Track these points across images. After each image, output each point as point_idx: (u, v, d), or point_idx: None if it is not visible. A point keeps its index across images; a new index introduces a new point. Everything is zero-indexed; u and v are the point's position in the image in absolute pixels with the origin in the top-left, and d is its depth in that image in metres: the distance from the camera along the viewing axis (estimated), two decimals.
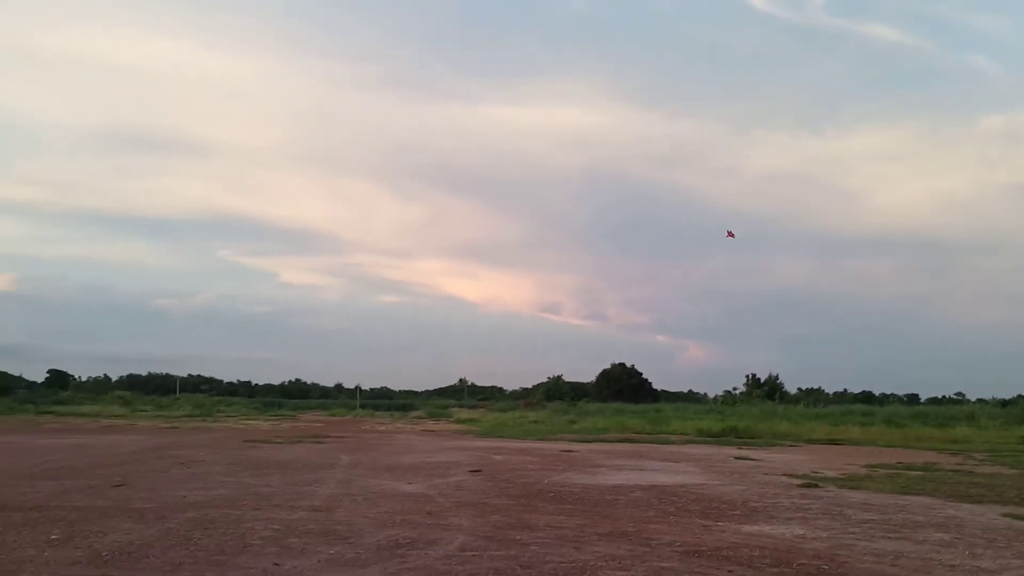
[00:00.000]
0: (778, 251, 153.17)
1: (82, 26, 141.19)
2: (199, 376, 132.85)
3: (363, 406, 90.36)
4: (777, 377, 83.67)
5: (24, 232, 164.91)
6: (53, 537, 9.63)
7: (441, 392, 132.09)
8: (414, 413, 73.66)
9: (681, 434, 38.99)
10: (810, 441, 35.43)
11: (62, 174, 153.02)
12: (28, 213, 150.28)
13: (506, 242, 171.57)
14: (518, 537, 10.16)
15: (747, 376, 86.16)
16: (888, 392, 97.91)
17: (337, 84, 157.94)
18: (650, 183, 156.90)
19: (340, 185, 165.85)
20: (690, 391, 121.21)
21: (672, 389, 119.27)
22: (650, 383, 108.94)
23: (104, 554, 8.71)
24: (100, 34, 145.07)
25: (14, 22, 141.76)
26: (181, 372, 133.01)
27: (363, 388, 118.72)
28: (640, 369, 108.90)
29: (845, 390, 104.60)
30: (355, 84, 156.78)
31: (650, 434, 38.99)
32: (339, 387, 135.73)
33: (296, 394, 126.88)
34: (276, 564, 8.33)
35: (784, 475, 19.11)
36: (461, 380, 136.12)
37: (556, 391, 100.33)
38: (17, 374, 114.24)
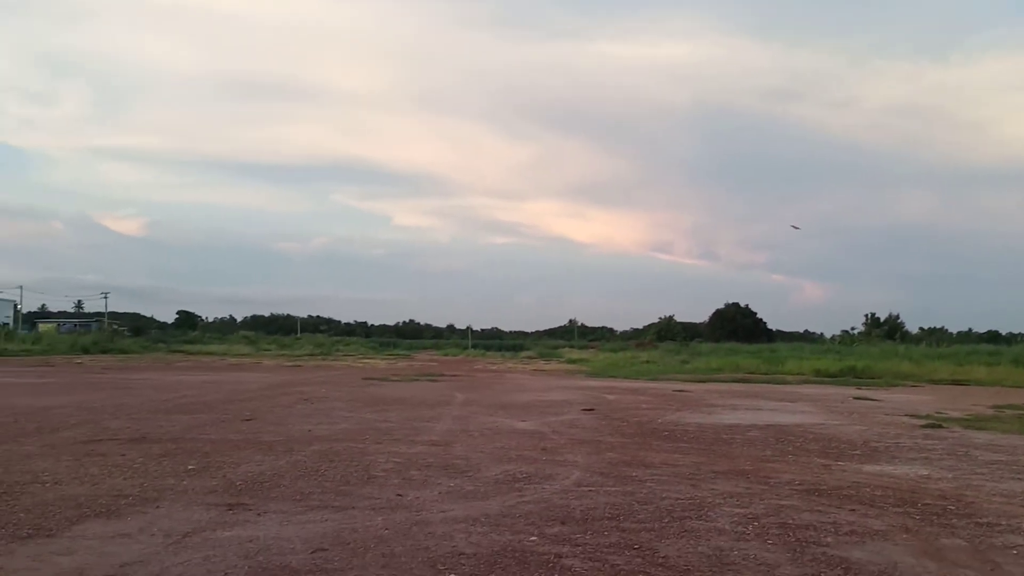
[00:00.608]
0: (899, 185, 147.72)
1: None
2: (318, 317, 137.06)
3: (475, 346, 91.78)
4: (898, 316, 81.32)
5: (151, 179, 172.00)
6: (190, 467, 10.14)
7: (551, 333, 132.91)
8: (525, 353, 74.46)
9: (797, 374, 38.32)
10: (933, 382, 34.36)
11: (185, 122, 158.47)
12: (154, 160, 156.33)
13: (616, 181, 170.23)
14: (634, 474, 10.22)
15: (866, 315, 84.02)
16: (1016, 331, 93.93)
17: (446, 25, 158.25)
18: (764, 117, 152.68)
19: (450, 127, 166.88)
20: (806, 331, 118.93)
21: (787, 329, 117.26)
22: (764, 323, 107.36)
23: (238, 483, 9.15)
24: None
25: None
26: (301, 313, 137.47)
27: (474, 328, 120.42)
28: (754, 309, 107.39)
29: (970, 329, 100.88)
30: (464, 24, 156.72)
31: (765, 374, 38.45)
32: (451, 327, 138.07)
33: (410, 334, 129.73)
34: (399, 495, 8.60)
35: (906, 415, 18.62)
36: (571, 321, 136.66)
37: (668, 332, 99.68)
38: (149, 315, 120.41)
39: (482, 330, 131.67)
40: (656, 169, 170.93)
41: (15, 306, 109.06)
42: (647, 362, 49.40)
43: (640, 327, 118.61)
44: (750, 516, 7.88)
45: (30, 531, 6.77)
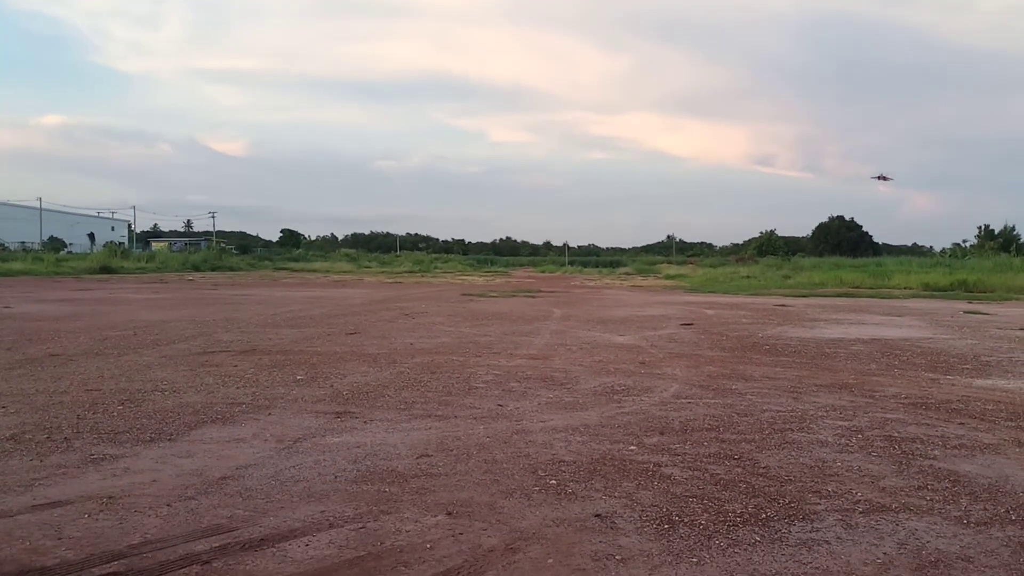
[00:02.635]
0: (1018, 92, 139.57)
1: None
2: (417, 234, 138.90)
3: (571, 263, 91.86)
4: (1014, 228, 77.82)
5: (251, 100, 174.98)
6: (299, 378, 10.51)
7: (649, 248, 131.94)
8: (622, 269, 74.22)
9: (904, 288, 37.30)
10: None
11: (284, 43, 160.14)
12: (255, 82, 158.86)
13: (717, 92, 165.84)
14: (734, 387, 10.18)
15: (979, 227, 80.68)
16: None
17: None
18: (874, 22, 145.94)
19: (546, 40, 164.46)
20: (914, 244, 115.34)
21: (894, 243, 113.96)
22: (870, 236, 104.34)
23: (344, 393, 9.45)
24: None
25: None
26: (400, 231, 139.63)
27: (571, 245, 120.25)
28: (860, 222, 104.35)
29: None
30: None
31: (870, 288, 37.54)
32: (548, 244, 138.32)
33: (507, 251, 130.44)
34: (500, 405, 8.76)
35: (1020, 330, 17.97)
36: (669, 236, 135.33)
37: (769, 246, 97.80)
38: (254, 233, 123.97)
39: (579, 247, 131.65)
40: (760, 79, 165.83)
41: (129, 226, 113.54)
42: (747, 277, 48.71)
43: (740, 242, 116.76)
44: (854, 429, 7.78)
45: (153, 435, 7.15)
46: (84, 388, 9.43)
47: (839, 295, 33.73)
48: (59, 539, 4.60)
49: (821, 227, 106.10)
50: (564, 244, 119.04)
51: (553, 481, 5.87)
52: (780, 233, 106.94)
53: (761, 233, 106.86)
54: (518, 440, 7.09)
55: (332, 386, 9.91)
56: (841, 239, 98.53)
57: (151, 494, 5.45)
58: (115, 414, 8.04)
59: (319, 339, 15.04)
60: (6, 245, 75.74)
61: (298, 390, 9.60)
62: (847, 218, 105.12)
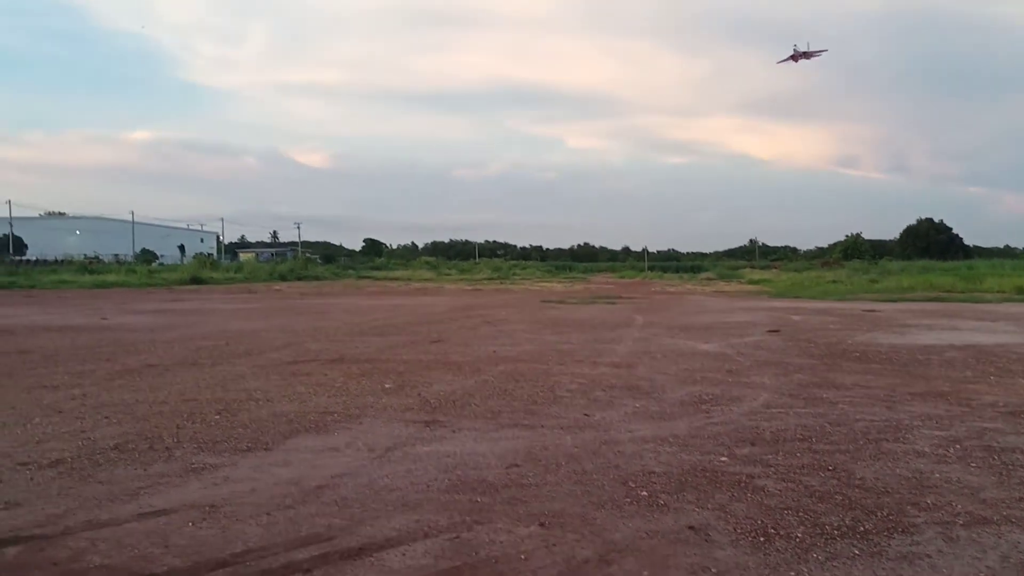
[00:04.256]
0: None
1: None
2: (495, 241, 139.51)
3: (651, 268, 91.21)
4: None
5: (334, 112, 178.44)
6: (387, 386, 10.67)
7: (731, 253, 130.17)
8: (703, 274, 73.41)
9: (998, 292, 36.11)
10: None
11: (365, 55, 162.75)
12: (336, 94, 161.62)
13: (797, 93, 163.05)
14: (825, 396, 9.99)
15: None
16: None
17: None
18: (961, 16, 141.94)
19: (621, 46, 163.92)
20: (1007, 246, 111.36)
21: (986, 245, 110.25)
22: (960, 238, 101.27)
23: (432, 401, 9.56)
24: None
25: None
26: (479, 238, 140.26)
27: (650, 250, 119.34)
28: (949, 224, 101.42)
29: None
30: None
31: (962, 292, 36.43)
32: (627, 250, 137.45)
33: (585, 257, 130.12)
34: (586, 415, 8.76)
35: None
36: (751, 240, 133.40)
37: (855, 249, 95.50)
38: (338, 243, 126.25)
39: (658, 252, 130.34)
40: (841, 79, 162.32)
41: (217, 237, 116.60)
42: (833, 282, 47.71)
43: (825, 245, 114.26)
44: (951, 439, 7.57)
45: (249, 444, 7.34)
46: (182, 398, 9.73)
47: (929, 300, 32.82)
48: (166, 547, 4.75)
49: (909, 230, 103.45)
50: (643, 249, 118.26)
51: (644, 492, 5.85)
52: (866, 236, 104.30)
53: (846, 236, 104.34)
54: (607, 450, 7.08)
55: (420, 394, 10.03)
56: (930, 242, 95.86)
57: (251, 503, 5.60)
58: (212, 423, 8.27)
59: (405, 347, 15.24)
60: (101, 258, 78.46)
61: (387, 399, 9.74)
62: (936, 220, 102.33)
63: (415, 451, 7.09)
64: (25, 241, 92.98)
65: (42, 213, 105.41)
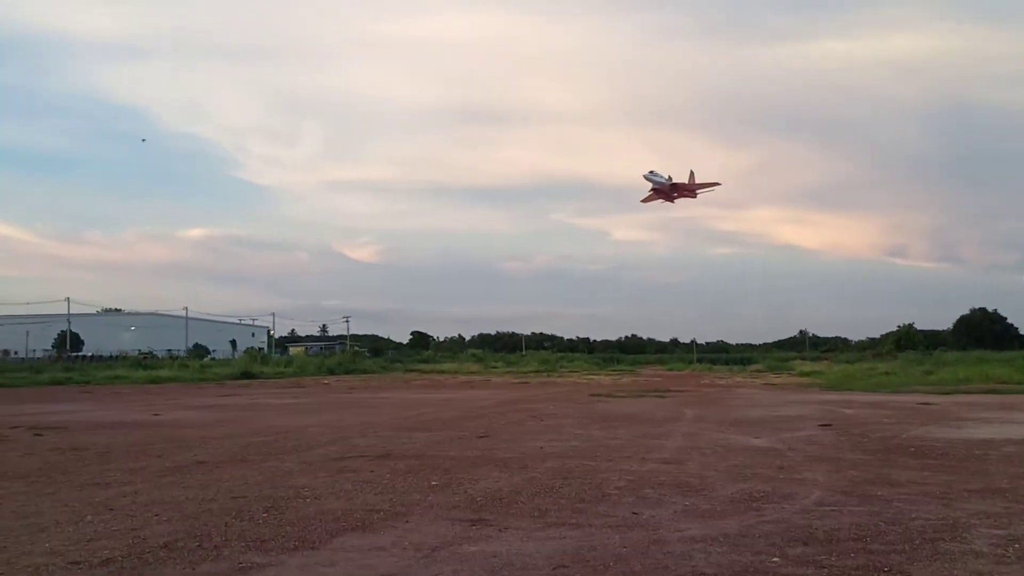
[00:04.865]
0: None
1: (418, 13, 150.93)
2: (542, 333, 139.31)
3: (700, 360, 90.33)
4: None
5: (382, 208, 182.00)
6: (433, 483, 10.64)
7: (780, 344, 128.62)
8: (753, 366, 72.54)
9: None
10: None
11: (413, 152, 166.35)
12: (386, 190, 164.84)
13: (843, 183, 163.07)
14: (879, 493, 9.76)
15: None
16: None
17: (653, 37, 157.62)
18: (1003, 106, 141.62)
19: (665, 138, 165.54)
20: None
21: None
22: (1016, 328, 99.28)
23: (478, 499, 9.51)
24: (432, 18, 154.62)
25: (362, 15, 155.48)
26: (526, 330, 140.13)
27: (699, 342, 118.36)
28: (1004, 313, 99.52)
29: None
30: (672, 35, 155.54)
31: (1019, 384, 35.48)
32: (675, 341, 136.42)
33: (633, 349, 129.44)
34: (634, 513, 8.65)
35: None
36: (801, 331, 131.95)
37: (908, 340, 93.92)
38: (386, 336, 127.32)
39: (707, 343, 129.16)
40: (886, 168, 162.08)
41: (268, 332, 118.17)
42: (886, 373, 46.83)
43: (877, 336, 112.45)
44: (1011, 538, 7.35)
45: (296, 543, 7.35)
46: (230, 495, 9.79)
47: (986, 391, 32.04)
48: None
49: (962, 320, 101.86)
50: (692, 341, 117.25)
51: None
52: (918, 327, 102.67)
53: (898, 327, 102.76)
54: (655, 551, 6.97)
55: (466, 492, 9.99)
56: (984, 332, 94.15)
57: None
58: (260, 521, 8.31)
59: (451, 443, 15.21)
60: (155, 353, 79.84)
61: (433, 496, 9.71)
62: (989, 310, 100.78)
63: (461, 551, 7.04)
64: (82, 337, 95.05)
65: (99, 310, 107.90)
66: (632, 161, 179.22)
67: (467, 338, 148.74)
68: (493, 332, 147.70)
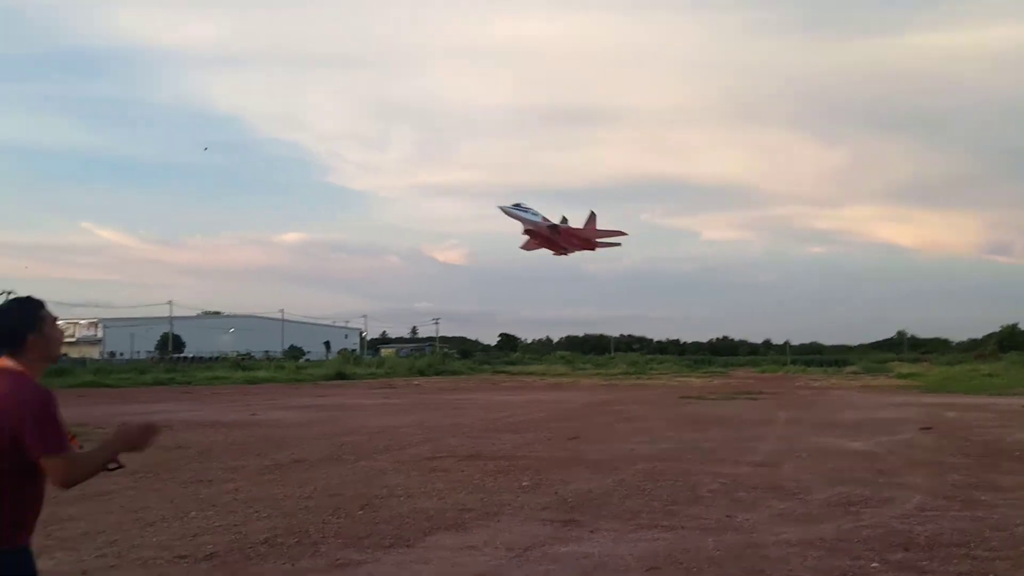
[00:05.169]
0: None
1: (506, 16, 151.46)
2: (630, 335, 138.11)
3: (793, 362, 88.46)
4: None
5: (471, 211, 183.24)
6: (524, 484, 10.70)
7: (877, 345, 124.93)
8: (848, 368, 70.67)
9: None
10: None
11: (500, 155, 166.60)
12: (474, 193, 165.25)
13: (943, 179, 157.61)
14: (983, 498, 9.45)
15: None
16: None
17: (743, 34, 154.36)
18: None
19: (757, 136, 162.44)
20: None
21: None
22: None
23: (569, 500, 9.52)
24: (520, 21, 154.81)
25: (450, 20, 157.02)
26: (614, 332, 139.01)
27: (792, 343, 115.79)
28: None
29: None
30: (764, 31, 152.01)
31: None
32: (767, 343, 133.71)
33: (724, 350, 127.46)
34: (728, 516, 8.55)
35: None
36: (899, 332, 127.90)
37: (1012, 340, 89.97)
38: (474, 338, 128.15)
39: (800, 345, 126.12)
40: (988, 164, 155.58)
41: (360, 334, 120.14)
42: (989, 375, 45.17)
43: (978, 337, 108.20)
44: None
45: (391, 541, 7.49)
46: (327, 493, 10.02)
47: None
48: None
49: None
50: (785, 342, 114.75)
51: None
52: (1023, 327, 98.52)
53: (1002, 327, 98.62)
54: (751, 554, 6.89)
55: (556, 493, 10.02)
56: None
57: None
58: (356, 519, 8.49)
59: (540, 444, 15.26)
60: (252, 354, 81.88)
61: (524, 497, 9.77)
62: None
63: (553, 551, 7.08)
64: (183, 339, 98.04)
65: (199, 312, 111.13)
66: (722, 159, 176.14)
67: (555, 340, 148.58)
68: (581, 334, 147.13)
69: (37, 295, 3.07)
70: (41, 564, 3.26)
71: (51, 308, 3.06)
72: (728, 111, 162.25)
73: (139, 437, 3.03)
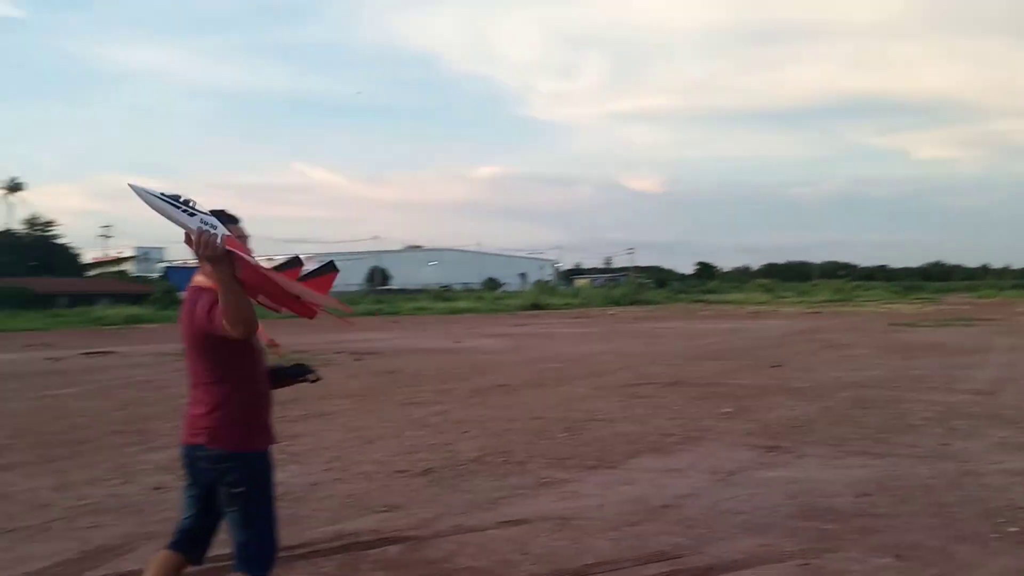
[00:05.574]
0: None
1: None
2: (835, 262, 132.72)
3: (1014, 287, 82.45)
4: None
5: (666, 138, 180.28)
6: (725, 410, 10.63)
7: None
8: None
9: None
10: None
11: (695, 79, 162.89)
12: (669, 119, 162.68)
13: None
14: None
15: None
16: None
17: None
18: None
19: (972, 46, 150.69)
20: None
21: None
22: None
23: (773, 427, 9.40)
24: None
25: None
26: (816, 258, 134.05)
27: (1013, 268, 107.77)
28: None
29: None
30: None
31: None
32: (985, 268, 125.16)
33: (937, 276, 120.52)
34: (944, 444, 8.21)
35: None
36: None
37: None
38: (670, 267, 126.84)
39: (1021, 269, 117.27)
40: None
41: (555, 265, 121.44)
42: None
43: None
44: None
45: (595, 462, 7.67)
46: (530, 416, 10.34)
47: None
48: (524, 554, 5.12)
49: None
50: (1004, 267, 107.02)
51: (1013, 529, 5.41)
52: None
53: None
54: (968, 483, 6.60)
55: (760, 419, 9.91)
56: None
57: (599, 518, 5.87)
58: (559, 441, 8.74)
59: (742, 371, 15.07)
60: (452, 286, 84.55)
61: (726, 423, 9.72)
62: None
63: (758, 475, 7.04)
64: (389, 272, 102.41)
65: (403, 246, 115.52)
66: (935, 73, 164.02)
67: (754, 268, 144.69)
68: (782, 261, 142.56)
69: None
70: (278, 476, 3.61)
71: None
72: (939, 21, 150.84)
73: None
